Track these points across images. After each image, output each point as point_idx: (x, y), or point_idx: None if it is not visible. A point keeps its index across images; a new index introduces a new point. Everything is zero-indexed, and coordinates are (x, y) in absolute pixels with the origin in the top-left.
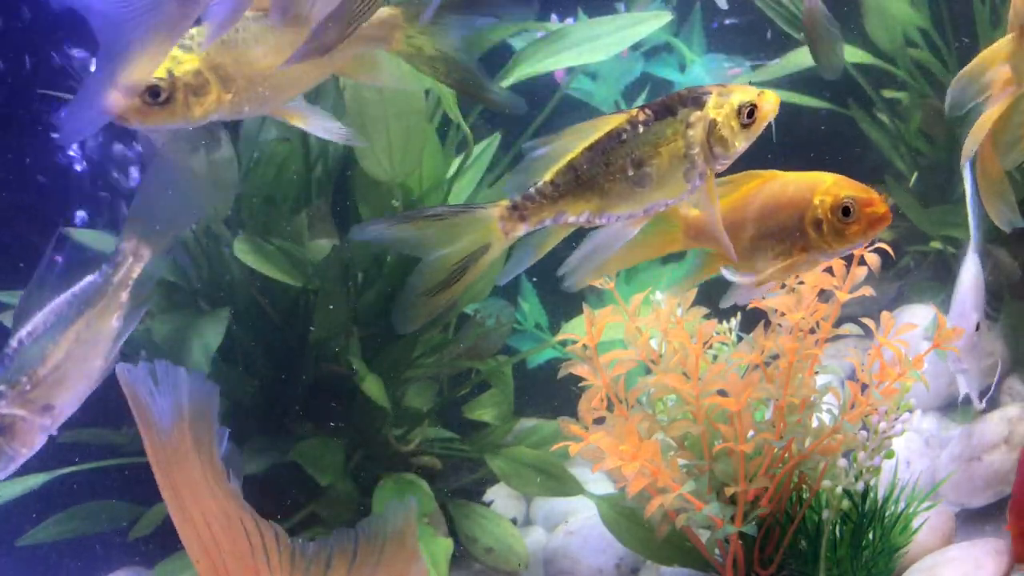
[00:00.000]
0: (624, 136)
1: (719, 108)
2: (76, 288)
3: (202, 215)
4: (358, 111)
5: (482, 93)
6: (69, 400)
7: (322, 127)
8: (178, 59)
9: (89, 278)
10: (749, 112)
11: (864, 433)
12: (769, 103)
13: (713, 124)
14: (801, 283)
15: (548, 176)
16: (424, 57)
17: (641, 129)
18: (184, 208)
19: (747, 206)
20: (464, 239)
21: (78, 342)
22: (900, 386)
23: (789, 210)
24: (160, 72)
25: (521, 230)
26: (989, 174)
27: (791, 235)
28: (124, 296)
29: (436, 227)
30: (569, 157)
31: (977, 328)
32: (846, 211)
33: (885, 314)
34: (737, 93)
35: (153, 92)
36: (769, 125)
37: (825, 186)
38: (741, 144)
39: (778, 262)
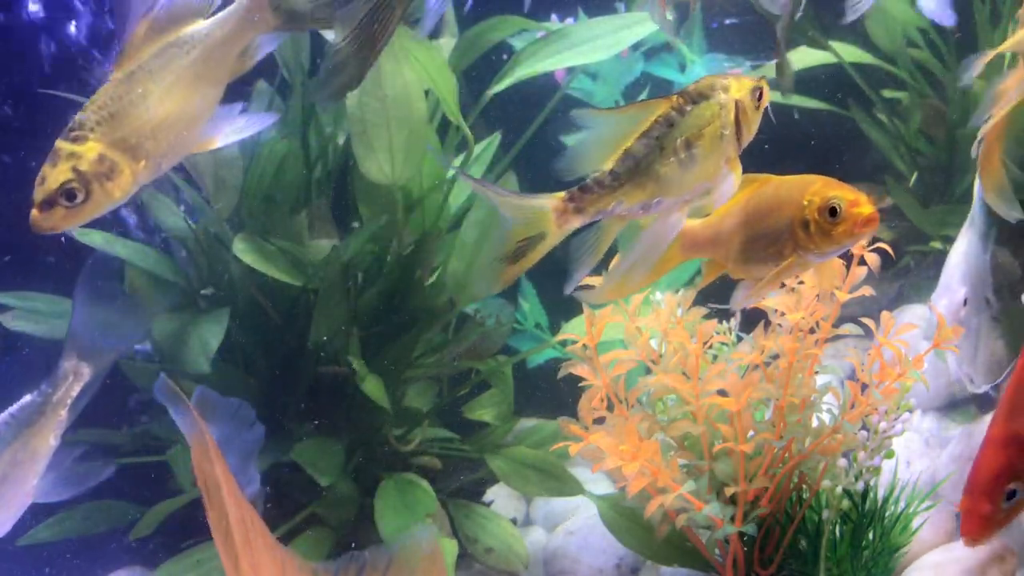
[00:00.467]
0: (673, 120)
1: (740, 91)
2: (14, 408)
3: (144, 333)
4: (360, 117)
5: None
6: (3, 519)
7: (241, 130)
8: (76, 153)
9: (28, 397)
10: (759, 95)
11: (864, 433)
12: (767, 87)
13: (740, 105)
14: (801, 283)
15: (607, 165)
16: (299, 16)
17: (686, 113)
18: (125, 325)
19: (739, 211)
20: (522, 220)
21: (13, 464)
22: (900, 386)
23: (779, 213)
24: (66, 173)
25: (577, 222)
26: (990, 171)
27: (781, 237)
28: (63, 414)
29: (500, 198)
30: (625, 145)
31: (965, 303)
32: (833, 212)
33: (885, 314)
34: (744, 80)
35: (69, 195)
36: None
37: (813, 188)
38: (755, 126)
39: (770, 265)
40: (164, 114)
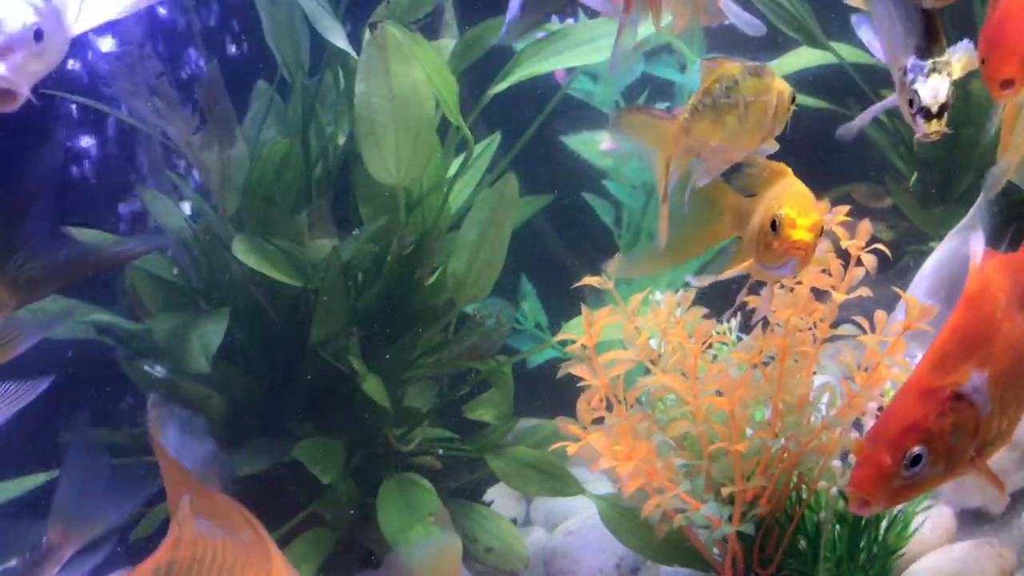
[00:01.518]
0: (737, 80)
1: (782, 86)
2: None
3: (136, 506)
4: (368, 117)
5: None
6: None
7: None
8: None
9: (13, 562)
10: (792, 98)
11: (856, 433)
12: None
13: (781, 96)
14: (799, 283)
15: (692, 99)
16: (41, 284)
17: (746, 79)
18: (114, 498)
19: (759, 197)
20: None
21: None
22: (894, 385)
23: (759, 212)
24: None
25: (684, 145)
26: (1012, 148)
27: (756, 235)
28: None
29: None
30: (705, 84)
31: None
32: (773, 225)
33: (880, 313)
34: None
35: None
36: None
37: (783, 196)
38: (784, 122)
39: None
40: None
